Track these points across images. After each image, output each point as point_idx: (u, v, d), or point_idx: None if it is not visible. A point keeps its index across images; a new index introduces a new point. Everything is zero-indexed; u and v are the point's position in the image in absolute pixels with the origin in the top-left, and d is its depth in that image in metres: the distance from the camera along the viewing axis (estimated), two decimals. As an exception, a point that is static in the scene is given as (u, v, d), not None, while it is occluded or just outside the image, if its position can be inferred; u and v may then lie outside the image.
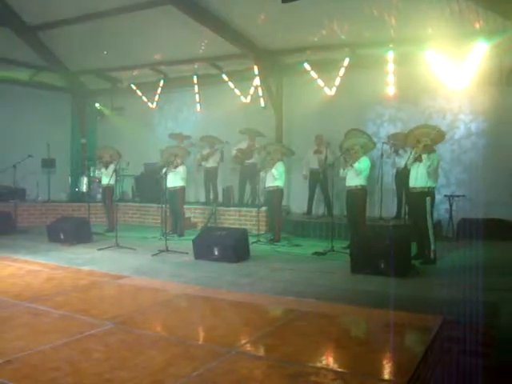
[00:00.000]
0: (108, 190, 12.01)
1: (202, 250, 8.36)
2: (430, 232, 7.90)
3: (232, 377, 3.56)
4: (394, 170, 10.90)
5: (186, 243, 9.24)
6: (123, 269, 7.53)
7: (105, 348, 4.08)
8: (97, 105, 16.09)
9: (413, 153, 8.09)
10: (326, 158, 11.45)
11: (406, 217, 9.59)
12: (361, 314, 5.30)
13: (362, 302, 5.64)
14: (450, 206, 10.56)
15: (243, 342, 4.36)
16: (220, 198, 13.28)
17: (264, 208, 11.52)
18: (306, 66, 11.97)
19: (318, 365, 3.86)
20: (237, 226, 11.11)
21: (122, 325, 4.70)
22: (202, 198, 13.56)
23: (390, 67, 11.13)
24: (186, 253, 8.65)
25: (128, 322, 4.79)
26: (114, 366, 3.70)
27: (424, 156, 7.86)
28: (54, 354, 3.97)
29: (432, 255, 7.91)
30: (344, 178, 9.20)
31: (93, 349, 4.06)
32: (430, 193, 7.92)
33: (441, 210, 10.72)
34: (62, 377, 3.53)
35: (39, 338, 4.34)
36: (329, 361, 4.06)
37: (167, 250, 8.87)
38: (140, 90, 15.11)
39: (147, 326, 4.78)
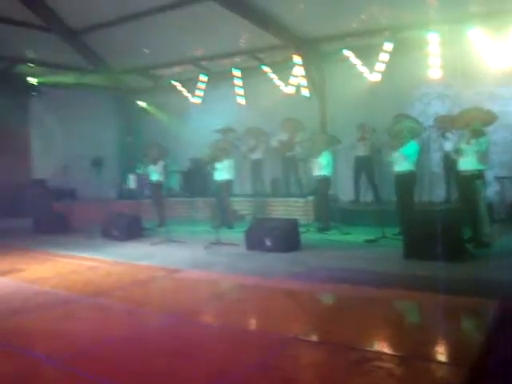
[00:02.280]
0: (157, 186, 12.23)
1: (253, 241, 8.45)
2: (483, 215, 7.76)
3: (297, 362, 3.65)
4: (442, 154, 10.73)
5: (236, 235, 9.36)
6: (178, 262, 7.69)
7: (169, 340, 4.23)
8: (141, 103, 16.35)
9: (462, 136, 7.97)
10: (371, 144, 11.39)
11: (455, 200, 9.44)
12: (417, 299, 5.33)
13: (417, 287, 5.63)
14: (502, 187, 10.34)
15: (304, 329, 4.45)
16: (267, 190, 13.35)
17: (311, 197, 11.53)
18: (346, 52, 11.87)
19: (381, 350, 3.91)
20: (285, 217, 11.16)
21: (184, 317, 4.86)
22: (250, 190, 13.66)
23: (433, 49, 10.91)
24: (238, 244, 8.75)
25: (190, 314, 4.94)
26: (181, 357, 3.83)
27: (473, 140, 7.73)
28: (121, 346, 4.14)
29: (485, 238, 7.78)
30: (392, 164, 9.13)
31: (158, 341, 4.21)
32: (480, 176, 7.79)
33: (492, 193, 10.50)
34: (129, 367, 3.69)
35: (105, 331, 4.53)
36: (390, 346, 4.10)
37: (219, 243, 9.00)
38: (183, 87, 15.29)
39: (208, 317, 4.94)
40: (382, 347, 4.10)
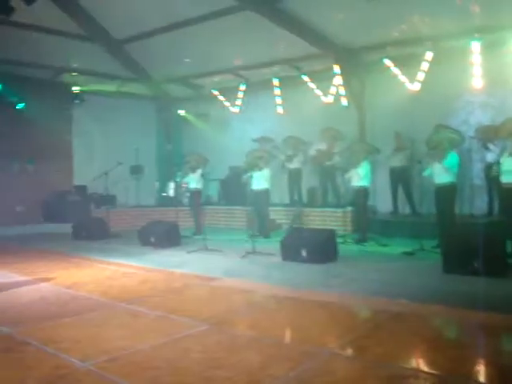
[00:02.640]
0: (196, 194, 12.30)
1: (289, 251, 8.39)
2: (526, 228, 7.53)
3: (329, 377, 3.57)
4: (483, 165, 10.47)
5: (272, 245, 9.31)
6: (213, 271, 7.70)
7: (202, 348, 4.21)
8: (181, 111, 16.52)
9: (505, 146, 7.76)
10: (408, 155, 11.21)
11: (498, 213, 9.20)
12: (455, 315, 5.17)
13: (455, 303, 5.47)
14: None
15: (336, 342, 4.37)
16: (304, 199, 13.29)
17: (349, 208, 11.41)
18: (387, 62, 11.75)
19: (415, 367, 3.80)
20: (322, 227, 11.06)
21: (217, 326, 4.83)
22: (287, 200, 13.60)
23: (476, 58, 10.69)
24: (274, 254, 8.71)
25: (222, 323, 4.92)
26: (211, 366, 3.82)
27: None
28: (154, 353, 4.15)
29: (529, 253, 7.53)
30: (428, 177, 8.96)
31: (190, 349, 4.20)
32: (526, 188, 7.56)
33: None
34: (162, 375, 3.69)
35: (139, 337, 4.55)
36: (425, 363, 3.99)
37: (255, 252, 8.97)
38: (222, 95, 15.42)
39: (241, 326, 4.90)
40: (418, 364, 3.99)
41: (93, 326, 4.96)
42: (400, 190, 11.74)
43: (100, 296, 6.24)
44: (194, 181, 12.01)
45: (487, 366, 3.84)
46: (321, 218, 12.13)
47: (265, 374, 3.64)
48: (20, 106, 13.30)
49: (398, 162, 11.48)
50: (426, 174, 8.96)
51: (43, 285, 6.95)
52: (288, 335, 4.69)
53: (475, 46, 10.63)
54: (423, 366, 3.90)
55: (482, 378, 3.64)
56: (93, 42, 12.94)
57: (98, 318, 5.25)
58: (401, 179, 11.57)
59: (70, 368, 3.84)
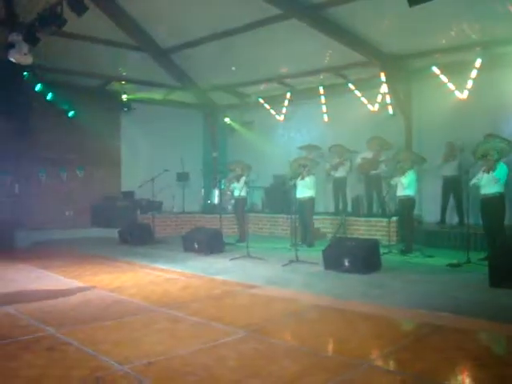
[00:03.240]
0: (240, 202, 12.35)
1: (331, 260, 8.31)
2: None
3: (365, 390, 3.52)
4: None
5: (316, 253, 9.24)
6: (255, 278, 7.71)
7: (238, 355, 4.20)
8: (227, 119, 16.65)
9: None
10: (460, 164, 10.96)
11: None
12: (502, 330, 4.99)
13: (502, 318, 5.29)
14: None
15: (376, 355, 4.29)
16: (349, 208, 13.16)
17: (395, 218, 11.23)
18: (435, 69, 11.54)
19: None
20: (366, 237, 10.93)
21: (255, 333, 4.82)
22: (332, 208, 13.49)
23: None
24: (316, 263, 8.64)
25: (260, 331, 4.90)
26: (248, 374, 3.80)
27: None
28: (191, 359, 4.16)
29: None
30: (476, 187, 8.73)
31: (227, 356, 4.20)
32: None
33: None
34: (198, 381, 3.71)
35: (177, 342, 4.58)
36: (468, 380, 3.86)
37: (297, 261, 8.92)
38: (267, 104, 15.48)
39: (279, 335, 4.86)
40: (460, 381, 3.86)
41: (133, 329, 5.02)
42: (451, 200, 11.49)
43: (142, 300, 6.33)
44: (238, 188, 12.06)
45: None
46: (366, 228, 12.00)
47: (302, 384, 3.61)
48: (71, 113, 13.68)
49: (450, 171, 11.24)
50: (473, 183, 8.73)
51: (88, 288, 7.09)
52: (327, 345, 4.62)
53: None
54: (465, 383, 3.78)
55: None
56: (140, 51, 13.19)
57: (139, 322, 5.32)
58: (453, 189, 11.32)
59: (108, 370, 3.90)
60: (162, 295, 6.63)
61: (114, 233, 12.70)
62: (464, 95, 11.42)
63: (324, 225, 12.89)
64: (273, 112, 15.45)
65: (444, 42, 10.77)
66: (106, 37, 12.30)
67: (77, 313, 5.72)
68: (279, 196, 13.68)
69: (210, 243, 10.56)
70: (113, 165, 15.24)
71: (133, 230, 12.43)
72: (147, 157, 15.19)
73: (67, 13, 9.07)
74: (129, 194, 14.87)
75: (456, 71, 11.50)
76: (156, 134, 15.39)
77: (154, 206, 14.44)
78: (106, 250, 11.09)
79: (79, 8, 9.00)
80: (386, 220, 10.91)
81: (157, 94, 15.33)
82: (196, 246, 10.65)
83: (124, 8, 11.64)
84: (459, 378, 3.93)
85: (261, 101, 15.50)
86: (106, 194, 14.66)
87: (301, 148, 13.75)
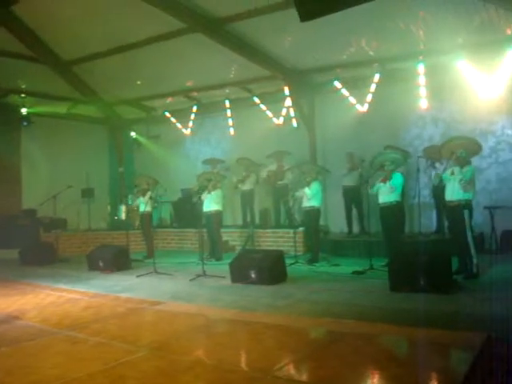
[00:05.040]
0: (146, 217, 12.12)
1: (238, 273, 8.30)
2: (471, 245, 7.64)
3: (266, 401, 3.50)
4: (432, 184, 10.67)
5: (224, 267, 9.18)
6: (161, 295, 7.55)
7: (139, 375, 4.07)
8: (133, 134, 16.33)
9: (448, 165, 7.92)
10: (360, 175, 11.34)
11: (447, 231, 9.36)
12: (401, 333, 5.16)
13: (402, 321, 5.47)
14: (492, 217, 10.25)
15: (279, 365, 4.28)
16: (257, 221, 13.25)
17: (301, 229, 11.42)
18: (337, 83, 11.94)
19: (356, 387, 3.75)
20: (274, 248, 11.05)
21: (157, 351, 4.69)
22: (240, 221, 13.54)
23: (422, 80, 10.99)
24: (223, 277, 8.60)
25: (163, 348, 4.78)
26: (147, 393, 3.68)
27: (456, 169, 7.69)
28: (89, 381, 3.99)
29: (474, 269, 7.64)
30: (377, 195, 9.08)
31: (127, 376, 4.05)
32: (467, 205, 7.68)
33: (481, 222, 10.38)
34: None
35: (75, 365, 4.37)
36: (368, 382, 3.94)
37: (204, 275, 8.84)
38: (174, 117, 15.36)
39: (183, 351, 4.75)
40: (359, 384, 3.93)
41: (29, 354, 4.74)
42: (354, 210, 11.84)
43: (41, 323, 6.01)
44: (144, 204, 11.83)
45: (430, 381, 3.83)
46: (273, 239, 12.10)
47: (201, 400, 3.54)
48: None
49: (350, 181, 11.59)
50: (372, 191, 9.06)
51: (-19, 312, 6.67)
52: (231, 359, 4.56)
53: (421, 68, 10.92)
54: (366, 387, 3.85)
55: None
56: (41, 63, 12.68)
57: (36, 347, 5.04)
58: (354, 199, 11.67)
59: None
60: (62, 317, 6.32)
61: (14, 253, 12.03)
62: (364, 108, 11.89)
63: (232, 238, 12.90)
64: (179, 126, 15.34)
65: (345, 57, 11.17)
66: (4, 48, 11.73)
67: (-33, 340, 5.34)
68: (187, 210, 13.54)
69: (115, 261, 10.27)
70: (12, 182, 14.47)
71: (34, 250, 11.88)
72: (50, 173, 14.56)
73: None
74: (30, 212, 14.17)
75: (356, 85, 11.96)
76: (59, 149, 14.83)
77: (58, 224, 13.89)
78: (5, 272, 10.47)
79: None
80: (292, 231, 11.07)
81: (59, 108, 14.68)
82: (101, 264, 10.31)
83: (22, 18, 11.14)
84: (359, 381, 3.99)
85: (167, 114, 15.35)
86: (5, 213, 13.88)
87: (204, 162, 13.75)
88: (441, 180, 7.97)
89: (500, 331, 4.79)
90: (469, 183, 7.65)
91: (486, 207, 10.36)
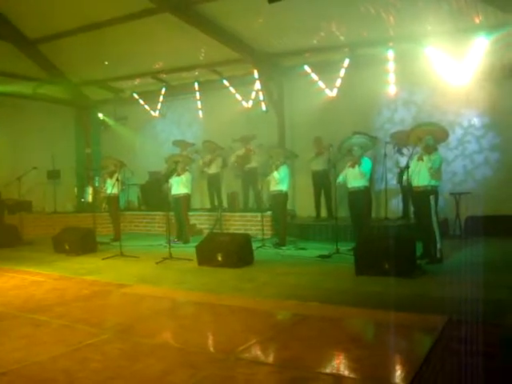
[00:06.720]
0: (113, 200, 11.98)
1: (205, 256, 8.30)
2: (436, 231, 7.77)
3: (230, 383, 3.51)
4: (398, 170, 10.79)
5: (191, 250, 9.14)
6: (127, 277, 7.50)
7: (102, 357, 4.04)
8: (100, 115, 16.11)
9: (414, 152, 8.00)
10: (328, 159, 11.40)
11: (412, 216, 9.50)
12: (364, 316, 5.22)
13: (365, 304, 5.55)
14: (457, 204, 10.43)
15: (243, 347, 4.29)
16: (225, 204, 13.23)
17: (269, 212, 11.45)
18: (307, 68, 11.93)
19: (318, 369, 3.78)
20: (242, 232, 11.05)
21: (121, 333, 4.67)
22: (208, 205, 13.51)
23: (391, 66, 11.08)
24: (190, 259, 8.59)
25: (127, 331, 4.75)
26: (110, 376, 3.66)
27: (425, 157, 7.76)
28: (51, 364, 3.94)
29: (438, 254, 7.78)
30: (342, 183, 9.13)
31: (90, 358, 4.02)
32: (433, 191, 7.80)
33: (446, 208, 10.56)
34: (56, 388, 3.50)
35: (37, 348, 4.31)
36: (329, 365, 3.98)
37: (171, 258, 8.81)
38: (142, 99, 15.17)
39: (147, 334, 4.73)
40: (321, 367, 3.97)
41: (-13, 338, 4.67)
42: (322, 194, 11.90)
43: (3, 306, 5.91)
44: (111, 186, 11.69)
45: (392, 365, 3.89)
46: (241, 223, 12.11)
47: (165, 382, 3.53)
48: None
49: (319, 165, 11.63)
50: (339, 181, 9.12)
51: None
52: (195, 341, 4.56)
53: (390, 55, 10.99)
54: (327, 368, 3.89)
55: (386, 378, 3.66)
56: (5, 40, 12.33)
57: (-5, 330, 4.96)
58: (323, 183, 11.72)
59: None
60: (25, 299, 6.23)
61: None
62: (333, 93, 11.92)
63: (200, 221, 12.87)
64: (148, 108, 15.16)
65: (315, 42, 11.17)
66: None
67: None
68: (155, 193, 13.43)
69: (81, 243, 10.15)
70: (-27, 164, 14.15)
71: (-2, 232, 11.66)
72: (14, 154, 14.27)
73: None
74: (-7, 194, 13.89)
75: (326, 70, 11.96)
76: (24, 129, 14.52)
77: (23, 206, 13.64)
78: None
79: None
80: (260, 214, 11.09)
81: (25, 88, 14.31)
82: (67, 246, 10.18)
83: (-17, -5, 10.85)
84: (321, 362, 4.02)
85: (135, 96, 15.14)
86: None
87: (174, 144, 13.63)
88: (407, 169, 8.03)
89: (461, 314, 4.88)
90: (437, 170, 7.77)
91: (451, 193, 10.54)
